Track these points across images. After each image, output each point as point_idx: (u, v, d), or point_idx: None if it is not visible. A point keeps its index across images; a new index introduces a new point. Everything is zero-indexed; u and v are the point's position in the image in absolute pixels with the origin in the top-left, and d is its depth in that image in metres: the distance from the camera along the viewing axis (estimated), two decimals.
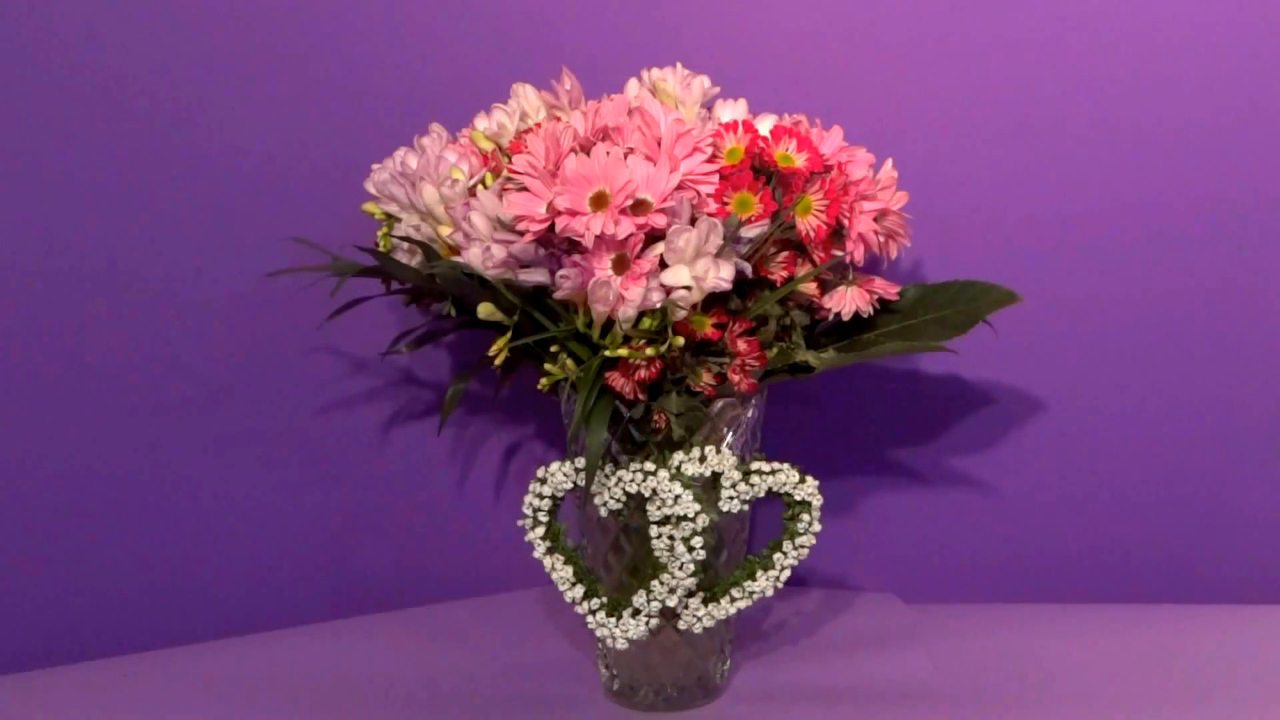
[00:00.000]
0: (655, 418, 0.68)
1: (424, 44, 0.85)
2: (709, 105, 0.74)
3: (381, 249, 0.73)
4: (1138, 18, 0.83)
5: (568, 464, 0.71)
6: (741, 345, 0.67)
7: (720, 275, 0.64)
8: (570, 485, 0.71)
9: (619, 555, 0.73)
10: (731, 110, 0.73)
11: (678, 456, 0.69)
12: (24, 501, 0.87)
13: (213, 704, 0.78)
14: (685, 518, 0.68)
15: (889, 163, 0.74)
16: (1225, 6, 0.83)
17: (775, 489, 0.71)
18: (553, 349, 0.68)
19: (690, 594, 0.71)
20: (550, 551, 0.73)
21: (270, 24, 0.84)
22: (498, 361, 0.69)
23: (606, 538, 0.73)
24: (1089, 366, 0.88)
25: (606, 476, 0.70)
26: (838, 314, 0.72)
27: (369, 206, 0.75)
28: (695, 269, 0.63)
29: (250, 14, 0.84)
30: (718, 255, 0.64)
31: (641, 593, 0.70)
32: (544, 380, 0.68)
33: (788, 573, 0.72)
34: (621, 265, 0.63)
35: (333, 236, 0.80)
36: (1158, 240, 0.86)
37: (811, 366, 0.71)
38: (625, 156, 0.62)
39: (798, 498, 0.71)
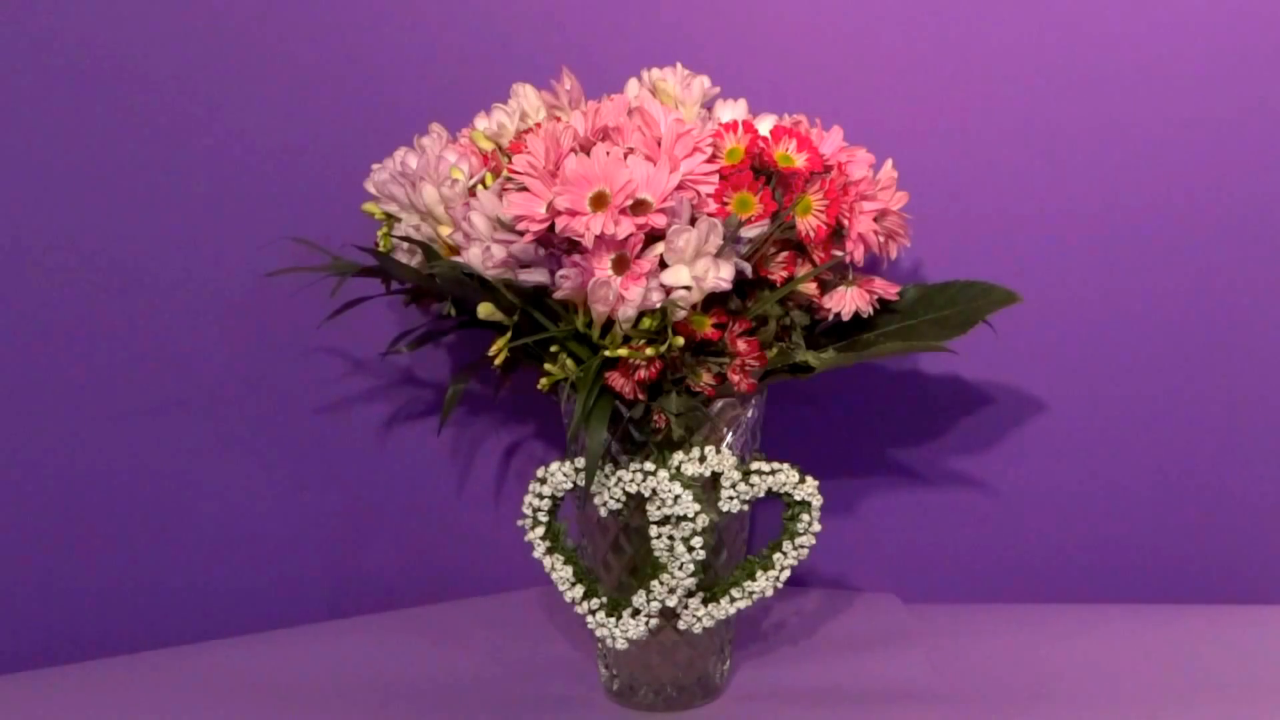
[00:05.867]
0: (655, 418, 0.68)
1: (424, 44, 0.85)
2: (709, 105, 0.74)
3: (381, 249, 0.73)
4: (1138, 18, 0.83)
5: (568, 464, 0.71)
6: (741, 345, 0.67)
7: (720, 275, 0.64)
8: (570, 485, 0.71)
9: (619, 555, 0.73)
10: (731, 110, 0.73)
11: (678, 456, 0.69)
12: (24, 501, 0.87)
13: (213, 704, 0.78)
14: (685, 518, 0.68)
15: (889, 163, 0.74)
16: (1225, 7, 0.83)
17: (775, 489, 0.71)
18: (553, 349, 0.68)
19: (690, 594, 0.71)
20: (550, 551, 0.73)
21: (270, 23, 0.84)
22: (498, 361, 0.69)
23: (606, 538, 0.73)
24: (1089, 366, 0.88)
25: (606, 476, 0.70)
26: (838, 314, 0.72)
27: (369, 206, 0.75)
28: (695, 269, 0.63)
29: (250, 13, 0.84)
30: (718, 255, 0.64)
31: (641, 593, 0.70)
32: (544, 380, 0.68)
33: (788, 573, 0.72)
34: (621, 265, 0.63)
35: (333, 236, 0.80)
36: (1158, 240, 0.86)
37: (811, 366, 0.71)
38: (625, 156, 0.62)
39: (798, 498, 0.71)
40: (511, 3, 0.85)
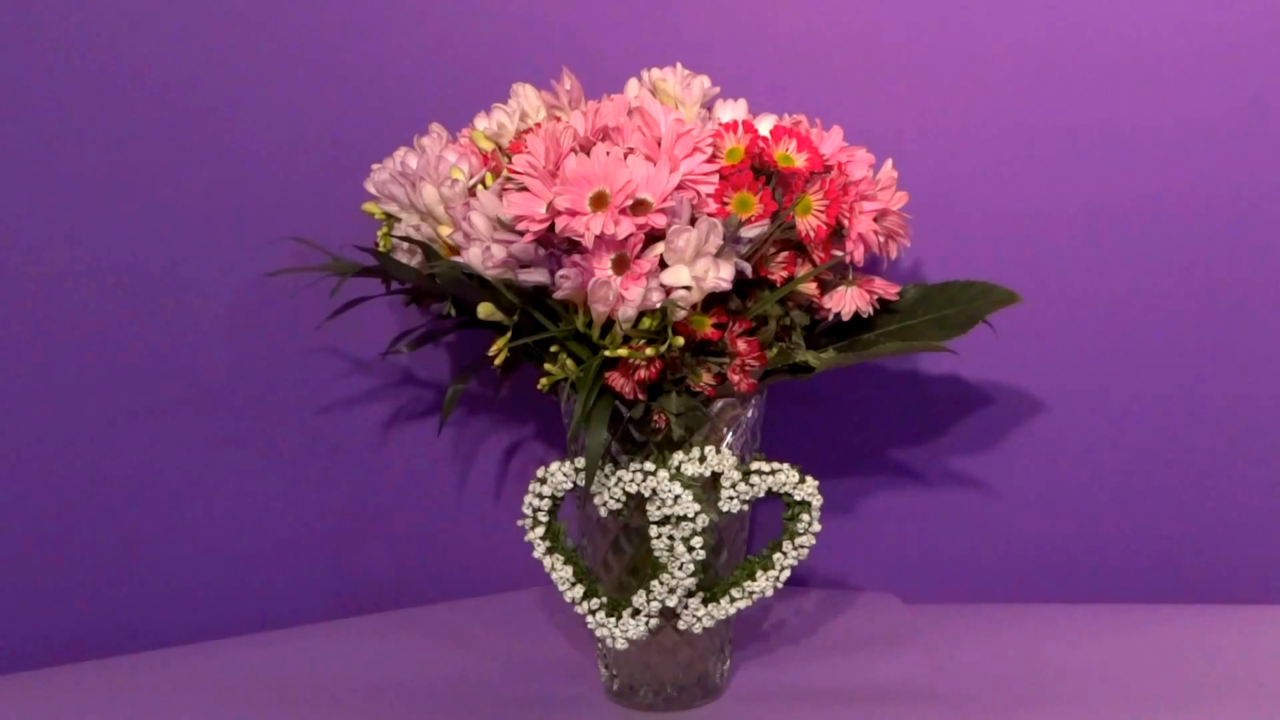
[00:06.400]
0: (655, 418, 0.68)
1: (424, 44, 0.85)
2: (709, 105, 0.74)
3: (381, 249, 0.73)
4: (1138, 17, 0.83)
5: (568, 464, 0.71)
6: (741, 345, 0.67)
7: (720, 275, 0.64)
8: (570, 485, 0.71)
9: (619, 555, 0.73)
10: (731, 110, 0.73)
11: (677, 456, 0.69)
12: (24, 501, 0.87)
13: (213, 704, 0.78)
14: (685, 518, 0.68)
15: (889, 163, 0.74)
16: (1224, 7, 0.83)
17: (775, 489, 0.71)
18: (553, 349, 0.68)
19: (690, 594, 0.71)
20: (550, 551, 0.73)
21: (270, 24, 0.84)
22: (498, 361, 0.69)
23: (606, 538, 0.73)
24: (1088, 366, 0.88)
25: (606, 476, 0.70)
26: (838, 314, 0.72)
27: (369, 206, 0.75)
28: (695, 269, 0.63)
29: (250, 14, 0.84)
30: (718, 255, 0.64)
31: (641, 593, 0.70)
32: (544, 380, 0.68)
33: (788, 573, 0.72)
34: (621, 265, 0.63)
35: (333, 236, 0.80)
36: (1158, 240, 0.86)
37: (811, 366, 0.71)
38: (625, 156, 0.62)
39: (798, 498, 0.71)
40: (511, 3, 0.85)
